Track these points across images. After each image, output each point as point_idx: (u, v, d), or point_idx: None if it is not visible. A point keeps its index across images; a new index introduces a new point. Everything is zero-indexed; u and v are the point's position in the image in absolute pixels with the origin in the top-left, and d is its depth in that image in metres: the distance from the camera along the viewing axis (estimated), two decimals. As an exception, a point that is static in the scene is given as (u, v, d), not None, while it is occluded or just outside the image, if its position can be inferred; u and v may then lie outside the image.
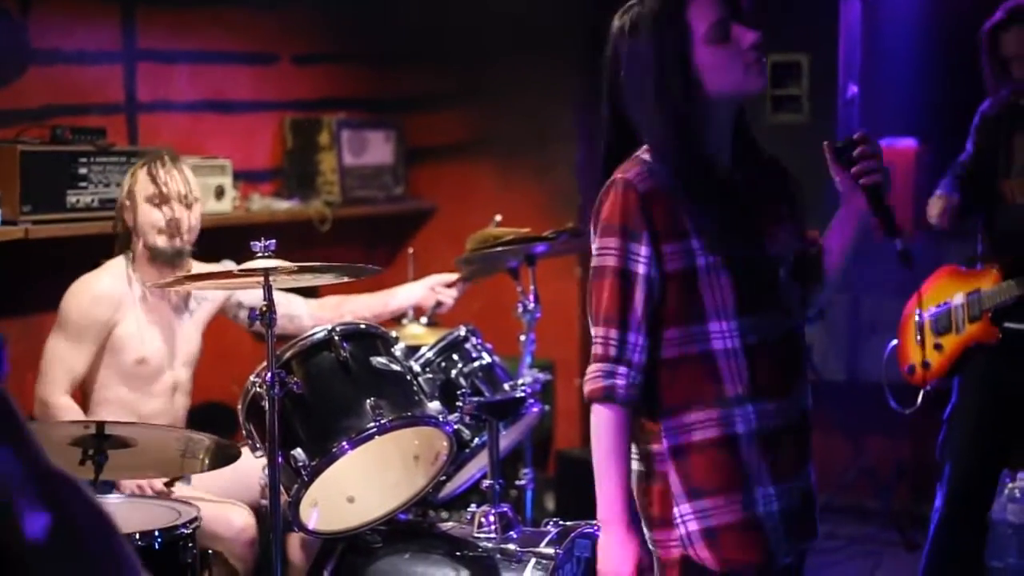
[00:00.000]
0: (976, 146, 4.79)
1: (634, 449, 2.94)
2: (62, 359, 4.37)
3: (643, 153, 2.90)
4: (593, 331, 2.87)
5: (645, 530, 2.95)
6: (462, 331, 4.41)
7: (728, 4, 2.88)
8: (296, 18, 6.34)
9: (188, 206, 4.46)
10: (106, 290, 4.40)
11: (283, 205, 6.13)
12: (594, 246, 2.89)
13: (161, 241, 4.43)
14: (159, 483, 4.17)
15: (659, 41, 2.86)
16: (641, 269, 2.82)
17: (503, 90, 6.71)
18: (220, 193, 5.49)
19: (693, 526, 2.87)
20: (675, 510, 2.88)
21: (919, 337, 4.90)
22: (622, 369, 2.83)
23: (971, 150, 4.83)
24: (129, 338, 4.41)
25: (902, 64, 6.35)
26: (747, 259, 2.90)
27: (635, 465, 2.94)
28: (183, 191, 4.46)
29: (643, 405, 2.89)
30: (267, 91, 6.30)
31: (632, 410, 2.86)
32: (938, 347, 4.85)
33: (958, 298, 4.78)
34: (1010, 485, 5.72)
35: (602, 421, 2.85)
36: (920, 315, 4.90)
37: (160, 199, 4.43)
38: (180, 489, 4.23)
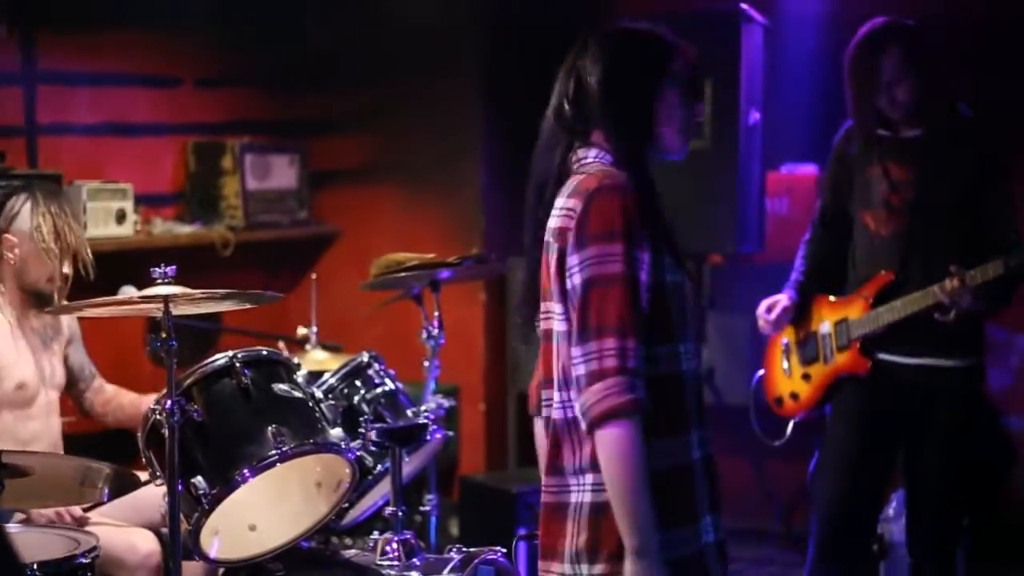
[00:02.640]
0: (833, 179, 4.77)
1: (590, 478, 2.79)
2: None
3: (608, 166, 2.85)
4: (597, 343, 2.70)
5: (593, 565, 2.78)
6: (365, 357, 4.39)
7: (693, 70, 2.93)
8: (199, 42, 6.31)
9: (75, 261, 4.41)
10: None
11: (185, 229, 6.09)
12: (583, 255, 2.74)
13: (47, 289, 4.37)
14: (77, 510, 4.11)
15: (653, 72, 2.88)
16: (643, 276, 2.74)
17: (407, 115, 6.71)
18: (121, 217, 5.45)
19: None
20: None
21: (786, 366, 4.91)
22: (640, 381, 2.69)
23: (826, 193, 4.83)
24: (8, 366, 4.33)
25: (803, 91, 6.40)
26: (689, 285, 2.90)
27: (588, 496, 2.80)
28: (77, 247, 4.39)
29: None
30: (170, 114, 6.26)
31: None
32: (806, 377, 4.84)
33: (825, 327, 4.76)
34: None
35: (626, 439, 2.68)
36: (786, 344, 4.91)
37: (59, 256, 4.35)
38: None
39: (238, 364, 3.91)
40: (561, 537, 2.84)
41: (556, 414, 2.87)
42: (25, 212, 4.38)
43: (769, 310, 4.81)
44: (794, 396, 4.88)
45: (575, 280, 2.76)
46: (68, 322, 4.58)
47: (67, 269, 4.37)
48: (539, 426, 3.11)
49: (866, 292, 4.63)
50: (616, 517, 2.72)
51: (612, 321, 2.70)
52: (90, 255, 4.43)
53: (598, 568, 2.79)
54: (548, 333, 2.90)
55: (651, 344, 2.76)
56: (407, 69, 6.66)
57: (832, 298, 4.80)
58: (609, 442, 2.69)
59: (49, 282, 4.36)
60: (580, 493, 2.82)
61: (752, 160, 5.93)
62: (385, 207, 6.82)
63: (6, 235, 4.37)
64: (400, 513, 4.02)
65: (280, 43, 6.62)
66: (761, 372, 5.09)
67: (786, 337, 4.91)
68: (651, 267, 2.75)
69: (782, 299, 4.81)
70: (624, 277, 2.71)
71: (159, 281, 3.64)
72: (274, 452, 3.81)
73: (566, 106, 2.92)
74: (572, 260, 2.77)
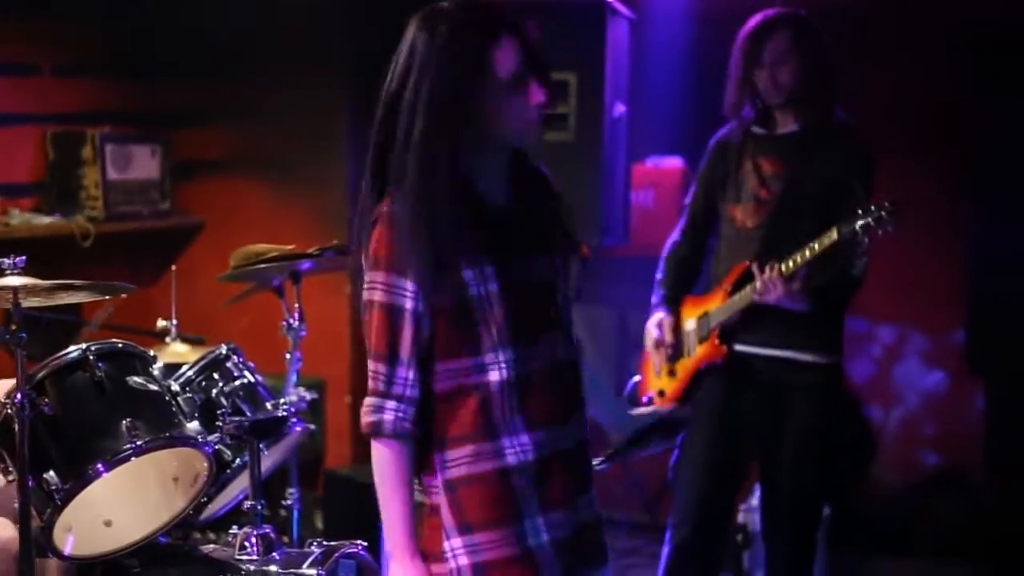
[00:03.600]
0: (708, 176, 4.80)
1: (415, 482, 2.94)
2: None
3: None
4: (371, 362, 2.89)
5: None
6: (223, 349, 4.32)
7: (529, 55, 2.87)
8: (57, 29, 6.19)
9: None
10: None
11: (44, 220, 5.99)
12: (365, 278, 2.89)
13: None
14: None
15: (457, 69, 2.81)
16: (408, 304, 2.82)
17: (273, 106, 6.64)
18: (-24, 208, 5.34)
19: (464, 560, 2.87)
20: (446, 544, 2.89)
21: (657, 369, 4.92)
22: (390, 403, 2.85)
23: (697, 190, 4.86)
24: None
25: (668, 84, 6.44)
26: (520, 288, 2.89)
27: (416, 497, 2.94)
28: None
29: (422, 438, 2.90)
30: (27, 103, 6.14)
31: (412, 443, 2.88)
32: (672, 373, 4.86)
33: (690, 324, 4.80)
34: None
35: (376, 454, 2.89)
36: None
37: None
38: None
39: (92, 357, 3.83)
40: None
41: None
42: None
43: (660, 329, 4.82)
44: (661, 393, 4.90)
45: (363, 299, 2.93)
46: None
47: None
48: None
49: (726, 284, 4.67)
50: None
51: (372, 345, 2.88)
52: None
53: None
54: None
55: (445, 359, 2.87)
56: (274, 59, 6.60)
57: (698, 296, 4.84)
58: (373, 454, 2.91)
59: None
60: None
61: (617, 153, 5.95)
62: (251, 199, 6.75)
63: None
64: (259, 507, 3.97)
65: (142, 32, 6.52)
66: (636, 379, 5.10)
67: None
68: (423, 294, 2.81)
69: (665, 318, 4.82)
70: (382, 305, 2.84)
71: (8, 272, 3.57)
72: (128, 446, 3.74)
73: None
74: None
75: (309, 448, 6.19)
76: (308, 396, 4.58)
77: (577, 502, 2.96)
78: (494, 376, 2.86)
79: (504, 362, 2.86)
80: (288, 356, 4.67)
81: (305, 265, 4.50)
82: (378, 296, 2.84)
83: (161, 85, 6.71)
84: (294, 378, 4.64)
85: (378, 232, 2.85)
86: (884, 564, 6.37)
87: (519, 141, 2.93)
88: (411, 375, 2.86)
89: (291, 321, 4.61)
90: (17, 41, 6.05)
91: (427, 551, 2.91)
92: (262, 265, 4.41)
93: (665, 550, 4.83)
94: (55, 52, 6.24)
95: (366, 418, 2.88)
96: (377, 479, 2.89)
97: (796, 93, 4.58)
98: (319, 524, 6.16)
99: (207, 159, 6.83)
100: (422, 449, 2.92)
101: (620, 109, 5.93)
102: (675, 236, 4.93)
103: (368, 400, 2.88)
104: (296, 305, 4.61)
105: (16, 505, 3.89)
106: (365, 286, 2.88)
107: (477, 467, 2.87)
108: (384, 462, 2.88)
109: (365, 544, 3.99)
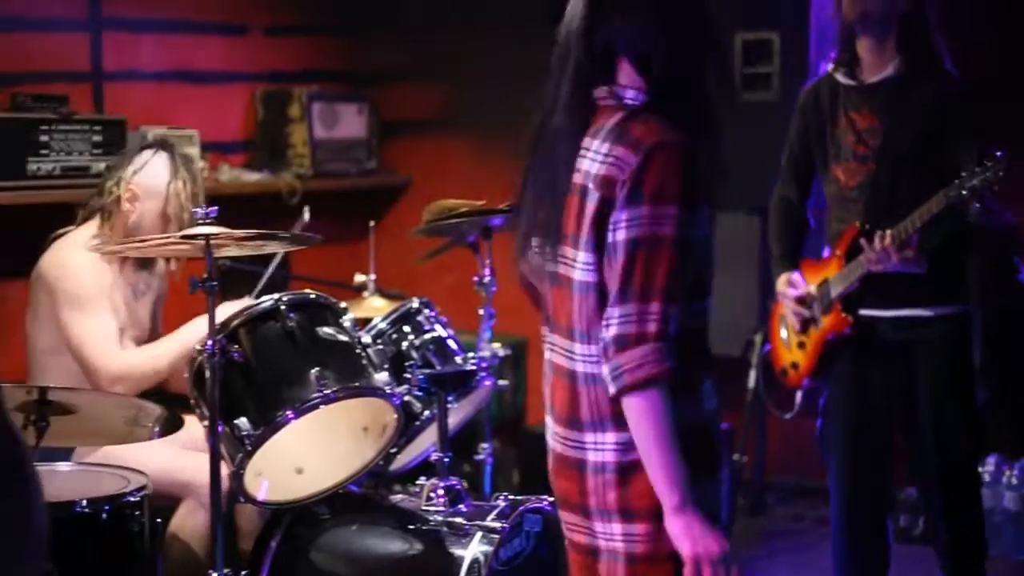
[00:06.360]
0: (801, 131, 4.57)
1: (612, 437, 2.72)
2: (98, 332, 4.24)
3: (650, 113, 2.71)
4: (639, 306, 2.59)
5: (629, 524, 2.72)
6: (415, 303, 4.36)
7: None
8: (268, -12, 6.33)
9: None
10: (94, 258, 4.29)
11: (253, 177, 6.11)
12: (635, 212, 2.62)
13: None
14: None
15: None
16: (692, 239, 2.63)
17: (479, 63, 6.66)
18: (187, 164, 5.47)
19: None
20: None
21: (784, 336, 4.76)
22: (665, 348, 2.60)
23: (794, 145, 4.63)
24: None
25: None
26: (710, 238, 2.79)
27: (611, 456, 2.72)
28: (188, 219, 4.28)
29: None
30: (237, 62, 6.28)
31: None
32: (801, 345, 4.66)
33: (812, 291, 4.59)
34: (1007, 472, 5.66)
35: (660, 405, 2.59)
36: (784, 315, 4.76)
37: (173, 223, 4.32)
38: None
39: (283, 307, 3.92)
40: (584, 494, 2.78)
41: (578, 367, 2.77)
42: (159, 169, 4.37)
43: (794, 287, 4.67)
44: (795, 366, 4.72)
45: (619, 236, 2.63)
46: (160, 283, 4.58)
47: (174, 232, 4.25)
48: (546, 366, 2.99)
49: (839, 249, 4.44)
50: (652, 478, 2.64)
51: (659, 285, 2.59)
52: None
53: (637, 528, 2.72)
54: (564, 279, 2.80)
55: (690, 300, 2.69)
56: (478, 17, 6.62)
57: (816, 260, 4.65)
58: (644, 408, 2.61)
59: None
60: (600, 452, 2.74)
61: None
62: (456, 157, 6.80)
63: (130, 184, 4.37)
64: (446, 460, 4.01)
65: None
66: (768, 347, 4.98)
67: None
68: (696, 227, 2.65)
69: (797, 278, 4.66)
70: (675, 241, 2.59)
71: (200, 221, 3.66)
72: (317, 395, 3.81)
73: (593, 25, 2.81)
74: (621, 215, 2.63)
75: (511, 405, 6.24)
76: (501, 352, 4.60)
77: None
78: (700, 324, 2.75)
79: (706, 310, 2.77)
80: (481, 312, 4.69)
81: (495, 221, 4.48)
82: (669, 230, 2.59)
83: (368, 44, 6.81)
84: (487, 334, 4.66)
85: (666, 162, 2.61)
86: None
87: None
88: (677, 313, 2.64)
89: (483, 277, 4.62)
90: (229, 1, 6.19)
91: (649, 508, 2.69)
92: (452, 220, 4.42)
93: (832, 516, 4.66)
94: (265, 12, 6.37)
95: (657, 366, 2.58)
96: (660, 431, 2.60)
97: (871, 18, 4.36)
98: (516, 480, 6.19)
99: (412, 118, 6.90)
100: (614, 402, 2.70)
101: (824, 68, 5.82)
102: (779, 191, 4.72)
103: (653, 346, 2.58)
104: (487, 261, 4.62)
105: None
106: (645, 220, 2.60)
107: (692, 417, 2.70)
108: (667, 410, 2.60)
109: (553, 500, 3.99)
